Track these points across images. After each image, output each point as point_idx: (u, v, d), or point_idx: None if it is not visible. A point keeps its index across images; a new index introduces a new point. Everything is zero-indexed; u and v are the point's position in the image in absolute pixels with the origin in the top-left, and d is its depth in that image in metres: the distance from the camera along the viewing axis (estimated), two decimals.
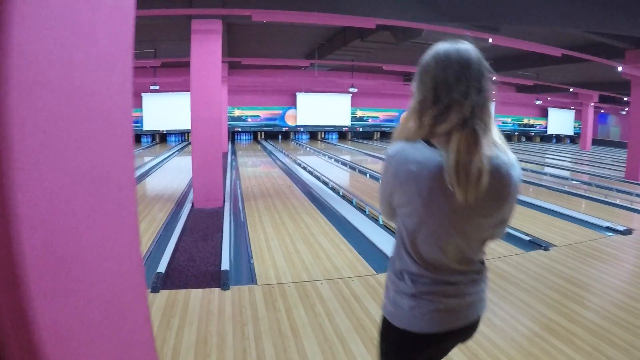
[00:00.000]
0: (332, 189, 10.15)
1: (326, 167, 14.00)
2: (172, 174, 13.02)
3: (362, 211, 7.89)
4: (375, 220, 7.26)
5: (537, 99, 24.90)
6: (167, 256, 5.29)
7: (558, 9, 8.37)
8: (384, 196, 1.55)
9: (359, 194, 9.28)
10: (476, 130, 1.36)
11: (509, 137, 30.56)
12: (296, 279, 4.74)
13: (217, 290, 4.44)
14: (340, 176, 12.47)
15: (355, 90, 21.03)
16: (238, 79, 20.79)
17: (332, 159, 16.47)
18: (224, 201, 8.39)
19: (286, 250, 5.68)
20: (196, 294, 4.36)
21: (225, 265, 4.96)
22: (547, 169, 15.62)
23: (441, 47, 1.43)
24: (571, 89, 21.25)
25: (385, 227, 6.76)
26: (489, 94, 1.42)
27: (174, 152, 18.62)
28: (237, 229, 6.70)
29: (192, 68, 7.89)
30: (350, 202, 8.61)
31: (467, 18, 8.33)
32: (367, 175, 12.48)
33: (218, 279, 4.68)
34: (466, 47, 1.41)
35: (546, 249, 5.95)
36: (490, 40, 8.85)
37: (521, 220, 7.28)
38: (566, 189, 10.89)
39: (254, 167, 14.79)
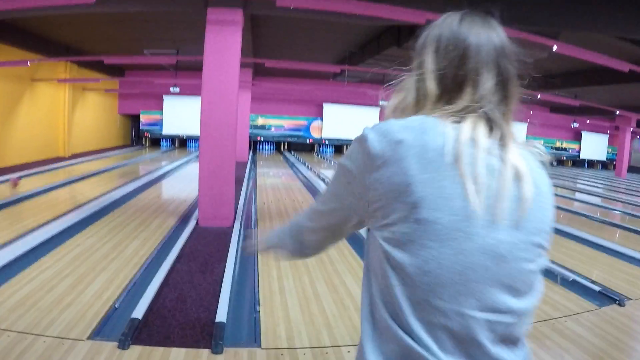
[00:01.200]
0: None
1: None
2: (184, 182, 11.97)
3: None
4: None
5: (574, 121, 23.29)
6: (151, 293, 4.13)
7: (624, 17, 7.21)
8: None
9: None
10: None
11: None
12: (314, 342, 3.54)
13: (206, 352, 3.26)
14: None
15: (386, 103, 19.81)
16: (263, 85, 19.77)
17: None
18: (234, 220, 7.24)
19: (303, 294, 4.47)
20: (177, 355, 3.19)
21: (221, 314, 3.77)
22: (589, 198, 14.18)
23: None
24: (618, 112, 19.64)
25: None
26: None
27: (191, 159, 17.63)
28: (245, 260, 5.53)
29: (206, 64, 6.83)
30: None
31: (527, 22, 7.15)
32: None
33: (210, 335, 3.50)
34: None
35: (621, 303, 4.69)
36: (555, 47, 7.61)
37: (584, 263, 6.04)
38: (617, 222, 9.49)
39: (274, 178, 13.66)
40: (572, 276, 5.28)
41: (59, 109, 15.90)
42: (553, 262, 5.82)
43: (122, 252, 5.43)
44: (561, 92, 15.91)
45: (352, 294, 4.52)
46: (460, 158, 0.91)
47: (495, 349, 0.90)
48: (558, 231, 7.92)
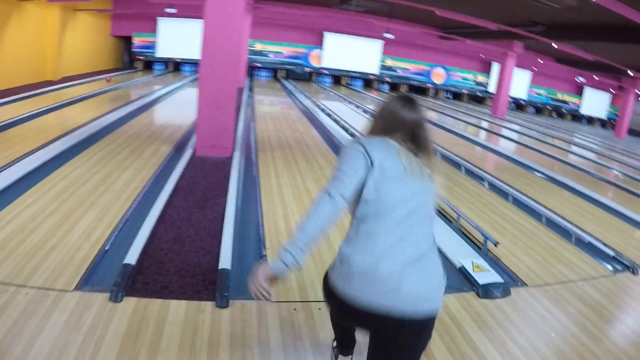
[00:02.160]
0: None
1: (354, 117, 12.21)
2: (178, 107, 11.35)
3: None
4: None
5: (579, 75, 22.44)
6: (145, 233, 3.68)
7: None
8: None
9: None
10: None
11: (540, 110, 28.40)
12: None
13: (209, 305, 2.87)
14: None
15: (392, 36, 18.88)
16: (264, 9, 18.68)
17: (360, 109, 14.66)
18: (233, 150, 6.74)
19: None
20: (177, 309, 2.79)
21: (224, 259, 3.35)
22: (593, 156, 13.73)
23: None
24: (632, 73, 18.75)
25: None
26: None
27: (185, 83, 16.86)
28: (248, 193, 5.09)
29: None
30: None
31: None
32: None
33: (213, 283, 3.10)
34: None
35: (634, 271, 4.40)
36: None
37: (597, 225, 5.64)
38: (623, 185, 8.99)
39: (272, 106, 13.05)
40: (587, 238, 4.94)
41: (48, 30, 14.91)
42: (566, 220, 5.44)
43: (113, 184, 4.95)
44: (572, 44, 15.02)
45: None
46: (400, 152, 1.83)
47: None
48: (570, 188, 7.50)
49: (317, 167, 6.53)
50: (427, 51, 25.17)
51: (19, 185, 4.65)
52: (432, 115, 16.45)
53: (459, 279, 3.68)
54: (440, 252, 3.99)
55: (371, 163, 1.75)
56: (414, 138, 1.86)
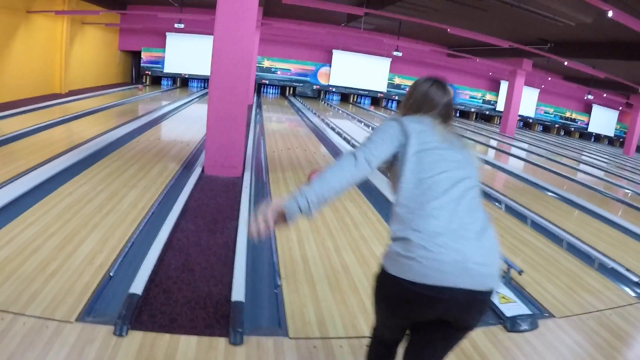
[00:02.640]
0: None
1: (365, 136, 12.01)
2: (186, 124, 11.21)
3: None
4: None
5: (589, 93, 22.26)
6: (152, 259, 3.46)
7: None
8: None
9: None
10: None
11: (547, 128, 28.22)
12: (350, 330, 2.92)
13: (222, 342, 2.64)
14: None
15: (400, 54, 18.78)
16: (272, 26, 18.66)
17: (370, 127, 14.49)
18: (243, 169, 6.55)
19: (330, 265, 3.83)
20: (187, 345, 2.57)
21: (237, 290, 3.12)
22: (603, 174, 13.49)
23: None
24: None
25: None
26: None
27: (193, 99, 16.76)
28: None
29: None
30: None
31: None
32: None
33: (225, 316, 2.87)
34: None
35: None
36: (611, 13, 6.74)
37: (617, 249, 5.41)
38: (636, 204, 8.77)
39: (281, 124, 12.87)
40: (610, 263, 4.75)
41: (56, 43, 14.88)
42: (587, 244, 5.24)
43: (119, 204, 4.75)
44: (582, 61, 14.87)
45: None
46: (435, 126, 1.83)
47: None
48: (585, 209, 7.30)
49: None
50: (435, 69, 25.06)
51: (20, 202, 4.45)
52: None
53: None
54: None
55: (407, 135, 1.73)
56: (445, 117, 1.89)
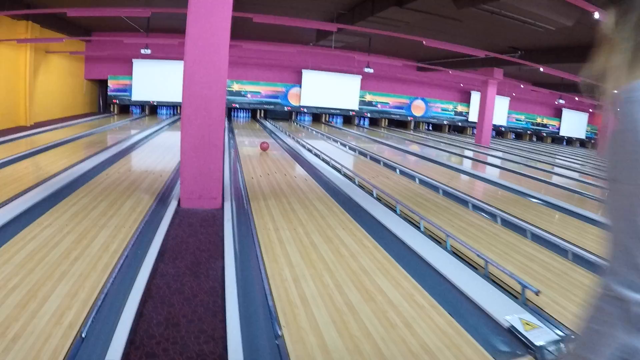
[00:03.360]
0: (360, 185, 7.92)
1: (343, 156, 11.70)
2: (158, 152, 10.70)
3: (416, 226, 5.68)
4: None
5: (560, 97, 22.51)
6: (129, 315, 3.00)
7: None
8: None
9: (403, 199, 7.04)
10: None
11: (520, 135, 28.59)
12: None
13: None
14: (363, 167, 10.18)
15: (372, 70, 18.62)
16: (240, 48, 18.33)
17: (347, 146, 14.18)
18: (222, 200, 6.11)
19: (333, 305, 3.41)
20: None
21: (234, 348, 2.67)
22: (580, 176, 13.44)
23: None
24: None
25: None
26: None
27: (163, 127, 16.25)
28: (246, 253, 4.44)
29: (191, 12, 5.55)
30: (394, 210, 6.39)
31: None
32: (398, 171, 10.23)
33: None
34: None
35: None
36: (597, 15, 6.61)
37: None
38: None
39: (255, 147, 12.45)
40: None
41: (20, 73, 14.28)
42: (592, 253, 5.00)
43: (88, 247, 4.26)
44: (552, 66, 14.94)
45: (395, 305, 3.48)
46: None
47: None
48: (578, 215, 7.11)
49: (317, 215, 5.91)
50: (406, 84, 25.16)
51: None
52: (415, 148, 16.08)
53: (509, 341, 3.11)
54: (478, 307, 3.45)
55: None
56: None
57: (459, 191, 8.01)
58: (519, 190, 8.97)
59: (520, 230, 5.93)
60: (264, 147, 11.60)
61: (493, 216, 6.59)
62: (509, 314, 3.37)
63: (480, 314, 3.44)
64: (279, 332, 2.94)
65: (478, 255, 4.53)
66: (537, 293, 3.72)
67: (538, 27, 9.01)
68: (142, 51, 16.12)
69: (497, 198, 8.02)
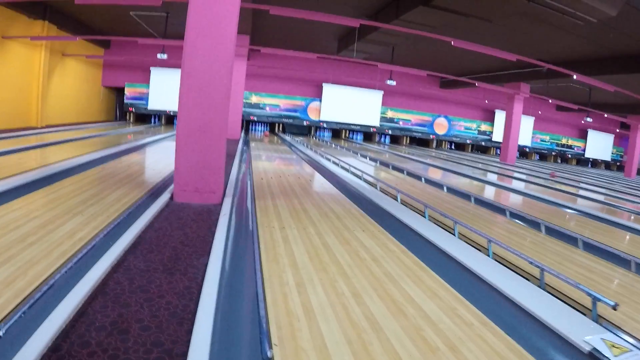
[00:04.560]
0: (383, 190, 7.05)
1: (364, 166, 10.83)
2: (162, 153, 9.97)
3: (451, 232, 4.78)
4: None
5: (587, 116, 21.32)
6: (65, 312, 2.17)
7: None
8: None
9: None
10: None
11: (544, 156, 27.44)
12: None
13: None
14: (388, 177, 9.28)
15: (394, 83, 17.80)
16: (261, 52, 17.74)
17: (367, 157, 13.34)
18: (223, 195, 5.29)
19: (348, 320, 2.54)
20: None
21: None
22: (604, 198, 12.36)
23: None
24: None
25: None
26: None
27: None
28: (241, 252, 3.60)
29: None
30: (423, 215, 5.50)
31: None
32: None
33: None
34: None
35: None
36: None
37: None
38: None
39: (271, 152, 11.66)
40: None
41: (34, 73, 13.82)
42: None
43: (51, 233, 3.46)
44: (592, 77, 14.02)
45: (433, 321, 2.59)
46: None
47: None
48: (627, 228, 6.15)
49: (333, 216, 5.04)
50: (429, 101, 24.37)
51: None
52: (440, 162, 15.16)
53: None
54: (543, 325, 2.56)
55: None
56: None
57: (493, 200, 7.10)
58: (556, 202, 8.05)
59: (570, 240, 5.06)
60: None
61: (536, 225, 5.68)
62: (584, 333, 2.47)
63: (546, 333, 2.56)
64: (268, 354, 2.06)
65: (530, 263, 3.62)
66: (614, 307, 2.82)
67: (578, 19, 8.13)
68: (159, 56, 15.54)
69: (535, 209, 7.07)
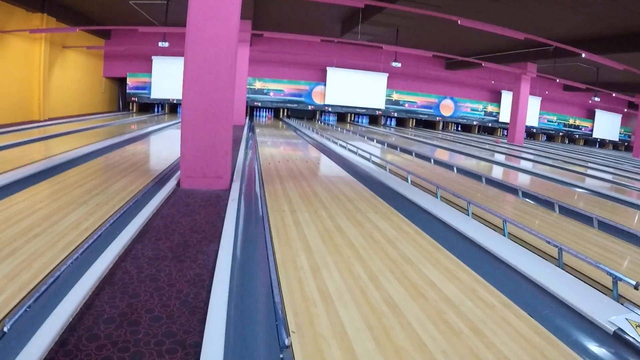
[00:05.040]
0: (392, 172, 6.92)
1: (372, 148, 10.70)
2: (167, 141, 9.87)
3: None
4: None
5: (595, 96, 20.98)
6: (72, 304, 2.08)
7: None
8: None
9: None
10: None
11: (551, 137, 27.13)
12: None
13: None
14: (395, 158, 9.16)
15: (399, 65, 17.55)
16: (264, 36, 17.47)
17: (374, 140, 13.19)
18: (231, 180, 5.19)
19: (367, 304, 2.43)
20: None
21: (212, 358, 1.73)
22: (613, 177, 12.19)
23: None
24: None
25: None
26: None
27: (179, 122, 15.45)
28: (252, 236, 3.49)
29: None
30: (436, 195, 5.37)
31: None
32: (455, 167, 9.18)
33: None
34: None
35: None
36: None
37: None
38: None
39: (277, 147, 11.56)
40: None
41: (34, 66, 13.68)
42: None
43: (55, 224, 3.37)
44: (602, 56, 13.73)
45: (455, 304, 2.49)
46: None
47: None
48: None
49: (344, 199, 4.93)
50: (434, 83, 24.08)
51: None
52: (448, 144, 15.00)
53: (615, 348, 2.11)
54: (565, 305, 2.44)
55: None
56: None
57: (505, 181, 6.97)
58: (568, 182, 7.90)
59: (586, 219, 4.92)
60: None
61: (549, 204, 5.54)
62: (608, 313, 2.36)
63: (568, 313, 2.45)
64: (286, 342, 1.96)
65: (549, 243, 3.50)
66: (636, 287, 2.71)
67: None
68: (160, 44, 15.37)
69: (548, 189, 6.93)
